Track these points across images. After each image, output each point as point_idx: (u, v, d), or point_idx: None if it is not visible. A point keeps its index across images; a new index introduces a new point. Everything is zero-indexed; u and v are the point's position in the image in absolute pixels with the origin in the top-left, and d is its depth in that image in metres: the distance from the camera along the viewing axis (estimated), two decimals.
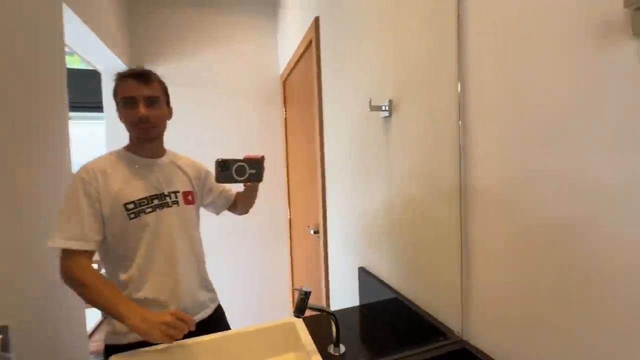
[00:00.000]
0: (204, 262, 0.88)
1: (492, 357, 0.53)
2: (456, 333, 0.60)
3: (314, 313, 0.72)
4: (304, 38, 1.49)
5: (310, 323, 0.80)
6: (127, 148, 0.80)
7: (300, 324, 0.81)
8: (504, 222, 0.50)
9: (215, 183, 0.91)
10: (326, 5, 1.23)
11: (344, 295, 1.17)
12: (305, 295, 0.70)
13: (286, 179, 2.06)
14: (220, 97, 1.99)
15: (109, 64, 1.69)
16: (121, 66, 1.73)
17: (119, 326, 0.71)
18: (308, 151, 1.54)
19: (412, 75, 0.72)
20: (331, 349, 0.72)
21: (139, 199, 0.74)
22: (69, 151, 1.07)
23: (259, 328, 0.78)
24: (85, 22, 1.21)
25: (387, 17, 0.80)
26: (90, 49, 1.47)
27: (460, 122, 0.57)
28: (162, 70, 1.91)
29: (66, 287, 0.67)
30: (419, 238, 0.72)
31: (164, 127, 0.81)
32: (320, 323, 0.74)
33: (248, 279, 2.05)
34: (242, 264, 2.05)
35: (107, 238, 0.73)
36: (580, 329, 0.40)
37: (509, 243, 0.49)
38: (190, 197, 0.84)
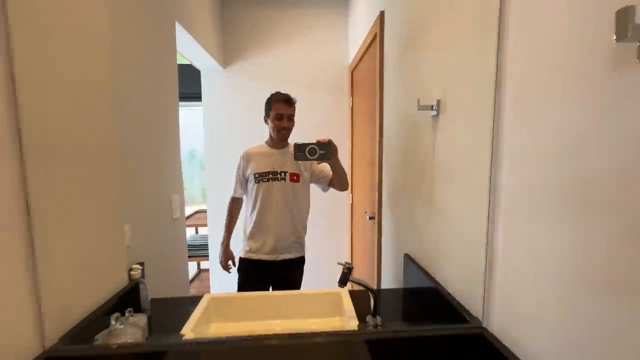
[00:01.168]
0: (300, 223, 1.30)
1: (504, 343, 0.58)
2: (478, 319, 0.66)
3: (361, 288, 0.84)
4: (370, 31, 1.55)
5: (356, 296, 0.93)
6: (267, 142, 1.30)
7: (345, 294, 0.95)
8: (526, 230, 0.53)
9: (317, 168, 1.30)
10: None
11: (391, 278, 1.27)
12: (348, 269, 0.84)
13: (350, 165, 2.18)
14: (295, 88, 2.17)
15: (206, 64, 2.03)
16: (215, 64, 2.05)
17: (248, 248, 1.29)
18: (369, 140, 1.63)
19: (457, 79, 0.75)
20: (369, 318, 0.84)
21: (261, 172, 1.23)
22: (179, 130, 1.36)
23: (313, 293, 0.98)
24: (191, 33, 1.50)
25: (442, 20, 0.83)
26: (193, 53, 1.79)
27: (494, 126, 0.61)
28: (246, 65, 2.20)
29: (176, 244, 0.98)
30: (450, 232, 0.77)
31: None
32: (364, 298, 0.86)
33: (314, 258, 2.28)
34: (310, 245, 2.28)
35: (247, 192, 1.29)
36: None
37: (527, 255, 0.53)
38: (295, 177, 1.25)
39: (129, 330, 0.66)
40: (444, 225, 0.82)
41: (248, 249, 1.29)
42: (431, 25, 0.89)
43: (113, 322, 0.66)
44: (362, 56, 1.78)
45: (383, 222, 1.41)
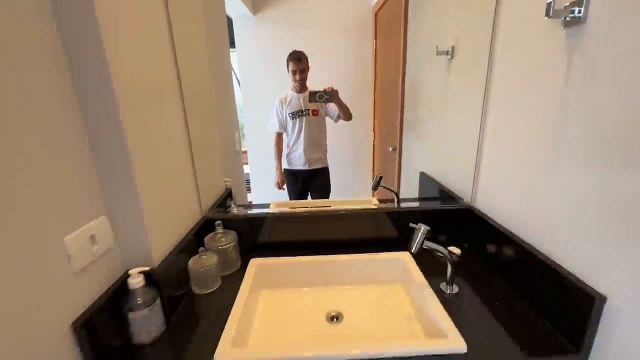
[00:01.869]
0: (321, 144, 1.82)
1: (486, 214, 0.93)
2: (467, 201, 1.00)
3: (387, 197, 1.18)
4: None
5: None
6: (292, 88, 1.72)
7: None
8: (513, 122, 0.84)
9: (328, 106, 1.74)
10: None
11: (409, 192, 1.62)
12: (380, 178, 1.17)
13: (373, 103, 2.43)
14: (321, 32, 2.34)
15: (237, 11, 2.19)
16: (246, 12, 2.21)
17: (288, 164, 1.78)
18: (392, 80, 1.86)
19: (467, 31, 0.99)
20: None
21: (293, 112, 1.68)
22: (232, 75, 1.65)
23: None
24: None
25: None
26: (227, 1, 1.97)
27: (488, 71, 0.87)
28: (274, 11, 2.32)
29: (238, 172, 1.35)
30: (454, 150, 1.09)
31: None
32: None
33: (343, 190, 2.67)
34: (338, 179, 2.66)
35: (285, 127, 1.73)
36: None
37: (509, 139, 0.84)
38: (315, 113, 1.70)
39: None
40: (451, 145, 1.13)
41: (288, 164, 1.84)
42: None
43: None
44: (385, 2, 1.91)
45: (403, 152, 1.72)
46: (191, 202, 0.92)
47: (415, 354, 0.61)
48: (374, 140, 2.49)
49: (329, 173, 1.92)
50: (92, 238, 0.58)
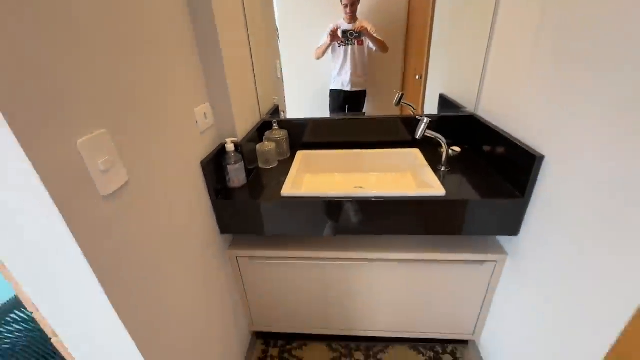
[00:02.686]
0: (363, 70, 1.89)
1: (486, 119, 1.16)
2: (471, 109, 1.23)
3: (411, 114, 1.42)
4: None
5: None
6: (343, 18, 1.77)
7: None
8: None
9: (369, 38, 1.84)
10: None
11: (430, 109, 1.83)
12: (402, 95, 1.40)
13: (405, 37, 2.50)
14: None
15: None
16: None
17: (334, 84, 1.87)
18: (423, 15, 1.93)
19: None
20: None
21: (341, 41, 1.77)
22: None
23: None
24: None
25: None
26: None
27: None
28: None
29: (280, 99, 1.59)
30: (467, 66, 1.27)
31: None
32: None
33: (372, 109, 2.90)
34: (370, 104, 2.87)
35: (333, 52, 1.84)
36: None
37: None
38: (361, 43, 1.81)
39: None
40: (463, 68, 1.31)
41: (334, 84, 2.02)
42: None
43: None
44: None
45: (428, 79, 1.89)
46: (254, 106, 1.24)
47: (412, 195, 0.93)
48: (404, 69, 2.61)
49: (366, 95, 2.17)
50: (205, 114, 0.92)
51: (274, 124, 1.24)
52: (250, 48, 1.17)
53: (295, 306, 1.24)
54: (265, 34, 1.44)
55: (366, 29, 1.83)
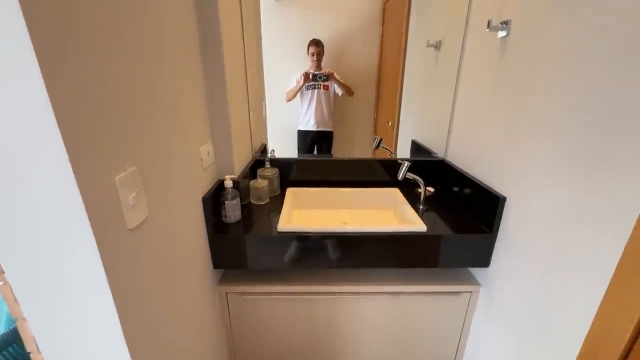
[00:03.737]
0: (329, 112, 2.10)
1: (455, 164, 1.33)
2: (441, 155, 1.40)
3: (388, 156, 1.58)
4: None
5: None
6: (309, 67, 1.99)
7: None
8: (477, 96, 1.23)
9: (335, 82, 2.06)
10: None
11: (403, 153, 2.02)
12: (380, 139, 1.56)
13: (377, 86, 2.78)
14: (336, 16, 2.67)
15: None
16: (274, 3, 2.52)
17: (301, 124, 2.01)
18: (395, 64, 2.21)
19: (449, 30, 1.35)
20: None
21: (308, 85, 1.95)
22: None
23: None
24: None
25: None
26: None
27: (459, 62, 1.25)
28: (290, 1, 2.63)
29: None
30: (435, 117, 1.47)
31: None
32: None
33: (343, 151, 3.08)
34: (341, 146, 3.05)
35: (301, 95, 2.01)
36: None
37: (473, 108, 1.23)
38: (326, 88, 2.01)
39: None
40: (433, 118, 1.51)
41: (301, 125, 2.22)
42: None
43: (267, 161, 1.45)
44: None
45: (400, 125, 2.11)
46: (248, 145, 1.32)
47: (397, 231, 1.02)
48: (376, 115, 2.88)
49: (332, 136, 2.31)
50: (208, 152, 0.98)
51: (267, 163, 1.31)
52: (247, 91, 1.28)
53: (281, 342, 1.23)
54: (257, 79, 1.57)
55: (333, 73, 2.10)
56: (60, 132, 0.42)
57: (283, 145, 2.24)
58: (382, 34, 2.68)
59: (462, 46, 1.24)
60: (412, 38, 1.87)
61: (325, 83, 2.16)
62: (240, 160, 1.18)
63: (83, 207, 0.46)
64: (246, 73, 1.27)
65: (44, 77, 0.40)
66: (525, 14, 0.88)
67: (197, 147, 0.91)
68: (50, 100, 0.41)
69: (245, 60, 1.25)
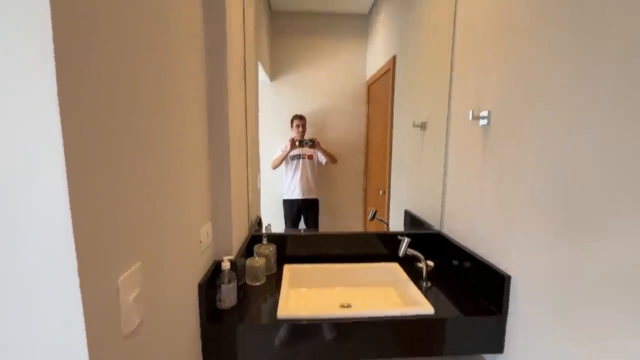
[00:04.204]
0: (313, 180, 2.27)
1: (452, 237, 1.34)
2: (437, 227, 1.42)
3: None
4: (384, 65, 2.27)
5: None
6: (294, 138, 2.17)
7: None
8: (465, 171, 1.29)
9: (319, 151, 2.25)
10: (402, 47, 1.99)
11: (396, 224, 2.03)
12: (375, 211, 1.58)
13: (365, 156, 2.93)
14: (324, 95, 2.93)
15: (261, 79, 2.76)
16: (266, 78, 2.78)
17: (287, 194, 2.19)
18: (381, 138, 2.37)
19: (434, 110, 1.49)
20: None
21: (293, 155, 2.16)
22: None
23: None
24: (260, 61, 2.23)
25: (426, 70, 1.57)
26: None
27: (446, 140, 1.35)
28: (287, 78, 2.91)
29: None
30: (427, 190, 1.53)
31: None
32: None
33: (332, 219, 3.07)
34: (329, 215, 3.06)
35: (285, 164, 2.18)
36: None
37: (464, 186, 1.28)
38: (310, 157, 2.19)
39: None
40: (425, 191, 1.57)
41: (287, 194, 2.33)
42: (422, 71, 1.62)
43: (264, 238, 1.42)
44: (377, 78, 2.51)
45: (391, 194, 2.17)
46: (246, 221, 1.30)
47: (401, 315, 0.97)
48: (365, 183, 2.97)
49: (318, 203, 2.45)
50: (208, 233, 0.95)
51: (264, 239, 1.28)
52: (247, 166, 1.31)
53: None
54: (254, 152, 1.62)
55: (317, 140, 2.28)
56: (74, 235, 0.40)
57: (269, 217, 2.23)
58: (368, 111, 2.93)
59: (447, 130, 1.35)
60: (398, 117, 2.04)
61: (310, 153, 2.33)
62: (238, 238, 1.15)
63: (81, 311, 0.42)
64: (247, 148, 1.32)
65: (68, 181, 0.39)
66: (502, 106, 0.99)
67: (197, 229, 0.89)
68: (70, 200, 0.40)
69: (246, 136, 1.31)
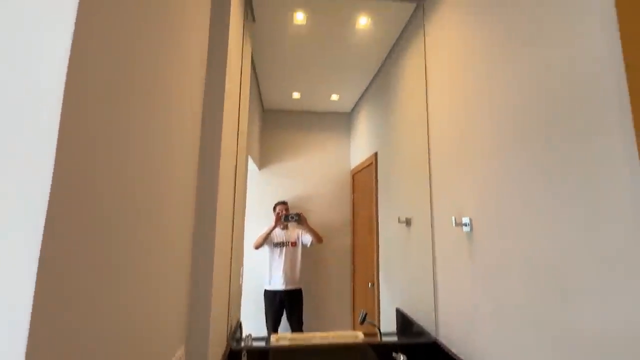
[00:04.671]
0: (297, 270, 2.24)
1: (450, 348, 1.24)
2: (432, 334, 1.32)
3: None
4: (367, 159, 2.44)
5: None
6: (279, 213, 2.29)
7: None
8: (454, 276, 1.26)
9: (303, 234, 2.32)
10: (382, 145, 2.16)
11: (387, 322, 1.89)
12: (365, 314, 1.48)
13: (352, 245, 2.90)
14: (310, 183, 3.03)
15: (250, 168, 2.87)
16: (254, 167, 2.89)
17: (269, 284, 2.20)
18: (369, 227, 2.38)
19: (418, 206, 1.54)
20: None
21: (277, 242, 2.20)
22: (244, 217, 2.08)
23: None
24: (251, 155, 2.34)
25: (406, 169, 1.66)
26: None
27: (432, 237, 1.37)
28: (275, 168, 3.05)
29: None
30: (415, 287, 1.48)
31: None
32: None
33: (317, 313, 2.84)
34: (314, 309, 2.87)
35: (269, 250, 2.21)
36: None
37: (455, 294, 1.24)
38: (295, 244, 2.23)
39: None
40: (415, 289, 1.52)
41: (269, 284, 2.25)
42: (403, 172, 1.73)
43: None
44: (361, 170, 2.66)
45: (380, 289, 2.08)
46: (224, 332, 1.18)
47: None
48: (353, 275, 2.86)
49: (302, 295, 2.34)
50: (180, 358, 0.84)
51: (243, 356, 1.15)
52: (231, 264, 1.25)
53: None
54: (239, 244, 1.58)
55: (304, 216, 2.37)
56: None
57: (247, 313, 2.06)
58: (353, 199, 3.01)
59: (432, 235, 1.38)
60: (383, 210, 2.10)
61: (293, 239, 2.33)
62: (214, 355, 1.02)
63: None
64: (232, 243, 1.27)
65: None
66: (481, 215, 1.04)
67: (169, 358, 0.79)
68: None
69: (232, 239, 1.28)
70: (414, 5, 1.56)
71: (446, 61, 1.33)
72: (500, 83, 0.98)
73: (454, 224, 1.10)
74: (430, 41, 1.48)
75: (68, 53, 0.39)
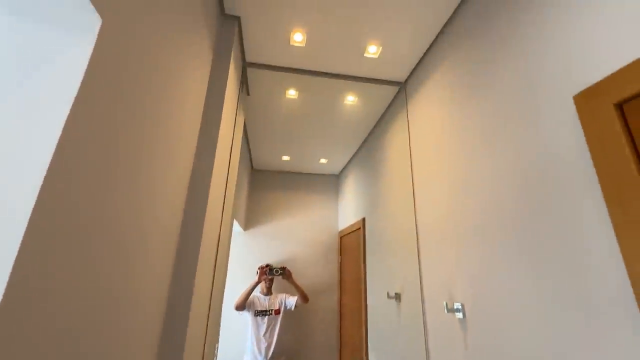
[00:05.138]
0: (282, 338, 2.18)
1: None
2: None
3: None
4: (354, 224, 2.42)
5: None
6: (261, 291, 2.27)
7: None
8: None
9: (287, 298, 2.31)
10: (370, 212, 2.15)
11: None
12: None
13: (339, 308, 2.73)
14: (297, 245, 2.94)
15: (235, 229, 2.79)
16: (239, 229, 2.81)
17: (252, 355, 2.13)
18: (356, 290, 2.26)
19: (407, 278, 1.49)
20: None
21: (259, 310, 2.13)
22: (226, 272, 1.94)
23: None
24: (236, 219, 2.29)
25: (394, 238, 1.64)
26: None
27: (422, 307, 1.29)
28: (260, 229, 2.97)
29: None
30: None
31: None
32: None
33: None
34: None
35: (250, 320, 2.15)
36: None
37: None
38: (277, 311, 2.18)
39: None
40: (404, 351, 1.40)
41: (251, 355, 2.13)
42: (391, 244, 1.70)
43: None
44: (349, 233, 2.62)
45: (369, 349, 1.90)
46: None
47: None
48: (340, 351, 2.62)
49: None
50: None
51: None
52: (204, 346, 1.12)
53: None
54: (216, 314, 1.44)
55: (289, 270, 2.36)
56: None
57: None
58: (340, 261, 2.91)
59: (425, 322, 1.31)
60: (371, 280, 2.01)
61: (277, 307, 2.27)
62: None
63: None
64: (208, 318, 1.16)
65: None
66: (473, 302, 1.00)
67: None
68: None
69: (210, 302, 1.17)
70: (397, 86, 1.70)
71: (428, 138, 1.40)
72: (479, 165, 1.02)
73: (445, 311, 1.05)
74: (413, 118, 1.57)
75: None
